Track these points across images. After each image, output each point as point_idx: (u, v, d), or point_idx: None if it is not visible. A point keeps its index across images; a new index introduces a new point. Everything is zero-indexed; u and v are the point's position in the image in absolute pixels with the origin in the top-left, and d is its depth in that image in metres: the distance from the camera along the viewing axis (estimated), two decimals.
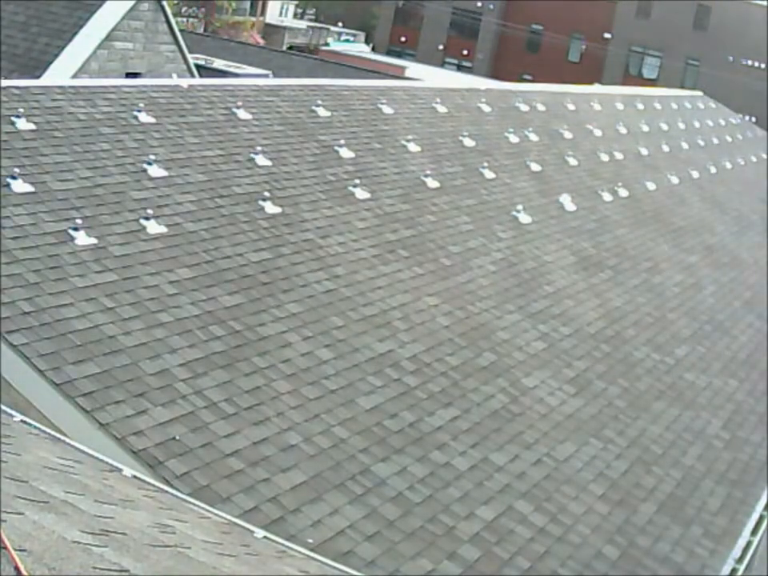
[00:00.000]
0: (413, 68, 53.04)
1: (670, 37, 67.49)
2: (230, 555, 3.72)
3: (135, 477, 4.75)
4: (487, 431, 9.59)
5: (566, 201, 16.67)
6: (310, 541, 7.04)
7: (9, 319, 7.80)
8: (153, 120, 12.00)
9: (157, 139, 11.66)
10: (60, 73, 17.54)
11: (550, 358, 11.61)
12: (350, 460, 8.24)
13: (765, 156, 30.54)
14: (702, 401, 12.59)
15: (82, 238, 9.23)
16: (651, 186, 20.60)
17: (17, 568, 2.36)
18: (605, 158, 20.49)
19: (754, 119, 52.77)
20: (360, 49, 69.63)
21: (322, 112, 14.82)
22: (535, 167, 17.45)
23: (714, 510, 10.18)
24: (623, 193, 19.02)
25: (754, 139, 32.54)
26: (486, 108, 18.99)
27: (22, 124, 10.55)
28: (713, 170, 25.26)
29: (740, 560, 9.55)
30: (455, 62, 72.84)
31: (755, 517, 10.40)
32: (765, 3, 65.47)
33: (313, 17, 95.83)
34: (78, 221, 9.42)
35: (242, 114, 13.39)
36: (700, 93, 34.76)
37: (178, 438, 7.53)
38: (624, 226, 17.48)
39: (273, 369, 8.86)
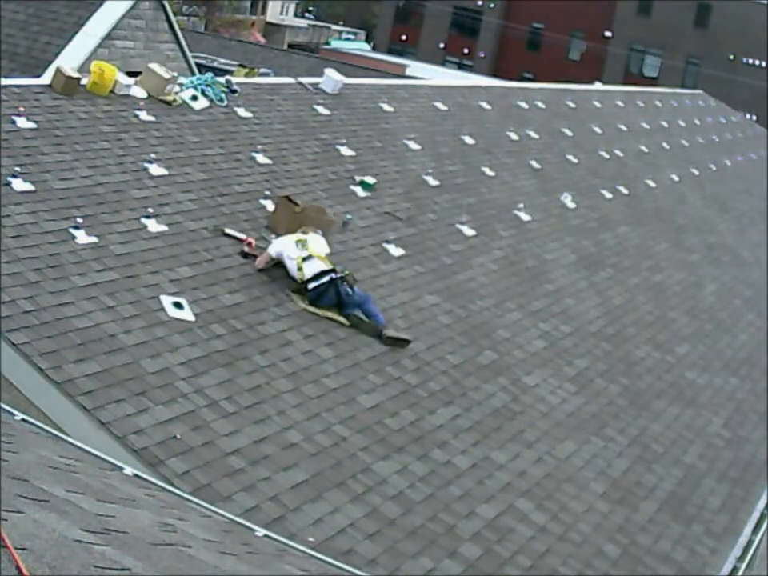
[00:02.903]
0: (413, 66, 53.00)
1: (670, 35, 67.46)
2: (231, 554, 3.72)
3: (136, 475, 4.75)
4: (488, 429, 9.59)
5: (567, 199, 16.66)
6: (311, 539, 7.04)
7: (9, 318, 7.80)
8: (153, 119, 12.00)
9: (157, 138, 11.66)
10: None
11: (551, 356, 11.61)
12: (350, 458, 8.24)
13: (765, 154, 30.52)
14: (703, 399, 12.58)
15: (82, 237, 9.22)
16: (652, 183, 20.60)
17: (18, 567, 2.36)
18: (605, 155, 20.49)
19: (754, 118, 52.75)
20: (361, 47, 69.62)
21: (323, 110, 14.81)
22: (536, 165, 17.45)
23: (715, 509, 10.18)
24: (624, 191, 19.02)
25: (754, 137, 32.52)
26: (487, 106, 18.98)
27: (23, 123, 10.54)
28: (713, 167, 25.26)
29: (741, 558, 9.54)
30: (456, 60, 72.79)
31: (756, 515, 10.39)
32: (765, 2, 65.42)
33: (313, 15, 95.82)
34: (79, 219, 9.42)
35: (243, 112, 13.39)
36: (700, 91, 34.76)
37: (178, 436, 7.53)
38: (625, 223, 17.47)
39: (273, 367, 8.86)
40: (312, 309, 9.92)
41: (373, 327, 10.04)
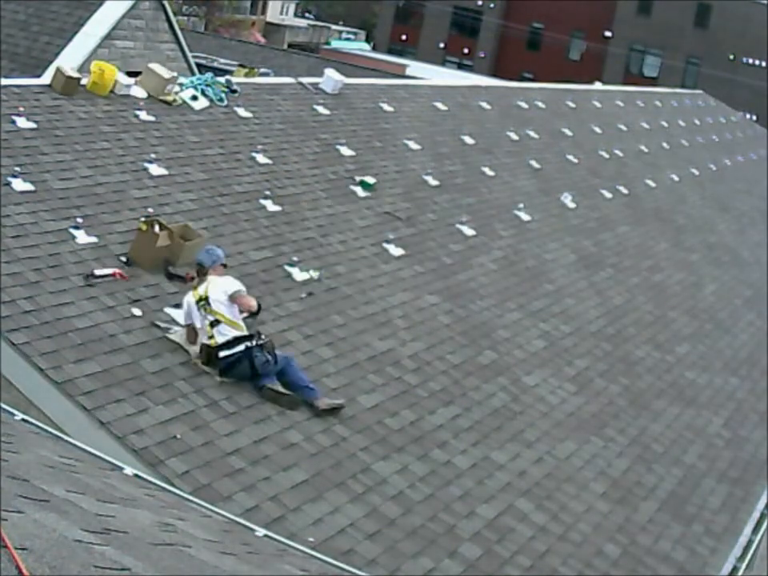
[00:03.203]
0: (413, 66, 52.98)
1: (670, 35, 67.46)
2: (231, 554, 3.72)
3: (136, 475, 4.75)
4: (488, 429, 9.59)
5: (567, 199, 16.66)
6: (311, 539, 7.04)
7: (9, 318, 7.80)
8: (153, 119, 12.00)
9: (157, 138, 11.66)
10: None
11: (551, 356, 11.61)
12: (350, 458, 8.23)
13: (765, 154, 30.51)
14: (703, 399, 12.58)
15: (82, 237, 9.22)
16: (652, 183, 20.60)
17: (18, 567, 2.36)
18: (605, 155, 20.48)
19: (754, 117, 52.73)
20: (361, 47, 69.59)
21: (323, 110, 14.81)
22: (536, 165, 17.44)
23: (715, 509, 10.17)
24: (624, 191, 19.02)
25: (753, 137, 32.52)
26: (487, 106, 18.98)
27: (23, 123, 10.54)
28: (713, 167, 25.25)
29: (741, 558, 9.54)
30: (456, 60, 72.78)
31: (756, 515, 10.39)
32: (765, 2, 65.41)
33: (313, 15, 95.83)
34: (79, 219, 9.42)
35: (243, 112, 13.38)
36: (700, 91, 34.75)
37: (178, 436, 7.53)
38: (625, 223, 17.47)
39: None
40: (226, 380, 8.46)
41: (296, 400, 8.53)
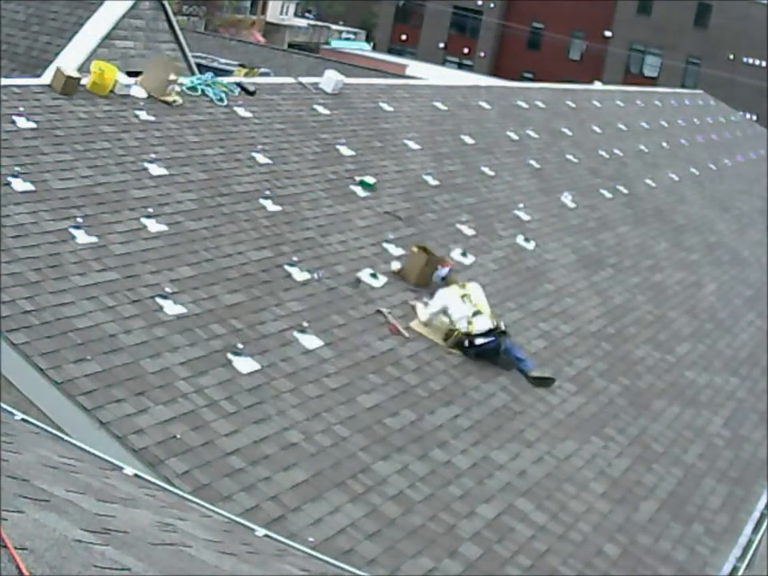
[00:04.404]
0: (413, 66, 52.98)
1: (670, 35, 67.47)
2: (231, 554, 3.72)
3: (136, 475, 4.75)
4: (488, 429, 9.59)
5: (567, 198, 16.66)
6: (311, 539, 7.04)
7: (10, 318, 7.80)
8: (153, 118, 12.00)
9: (157, 138, 11.66)
10: None
11: (551, 355, 11.60)
12: (350, 458, 8.23)
13: (765, 154, 30.51)
14: (703, 399, 12.58)
15: (82, 237, 9.23)
16: (652, 183, 20.60)
17: (18, 567, 2.36)
18: (605, 155, 20.49)
19: (754, 117, 52.73)
20: (361, 47, 69.60)
21: (323, 110, 14.81)
22: (536, 165, 17.44)
23: (715, 509, 10.17)
24: (624, 190, 19.02)
25: (753, 136, 32.52)
26: (487, 106, 18.98)
27: (23, 123, 10.54)
28: (713, 167, 25.25)
29: (741, 558, 9.53)
30: (456, 60, 72.80)
31: (756, 515, 10.39)
32: (765, 2, 65.40)
33: (313, 15, 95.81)
34: (79, 219, 9.42)
35: (243, 112, 13.38)
36: (700, 91, 34.75)
37: (178, 436, 7.53)
38: (625, 223, 17.47)
39: (273, 367, 8.86)
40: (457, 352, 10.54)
41: (552, 379, 10.89)
